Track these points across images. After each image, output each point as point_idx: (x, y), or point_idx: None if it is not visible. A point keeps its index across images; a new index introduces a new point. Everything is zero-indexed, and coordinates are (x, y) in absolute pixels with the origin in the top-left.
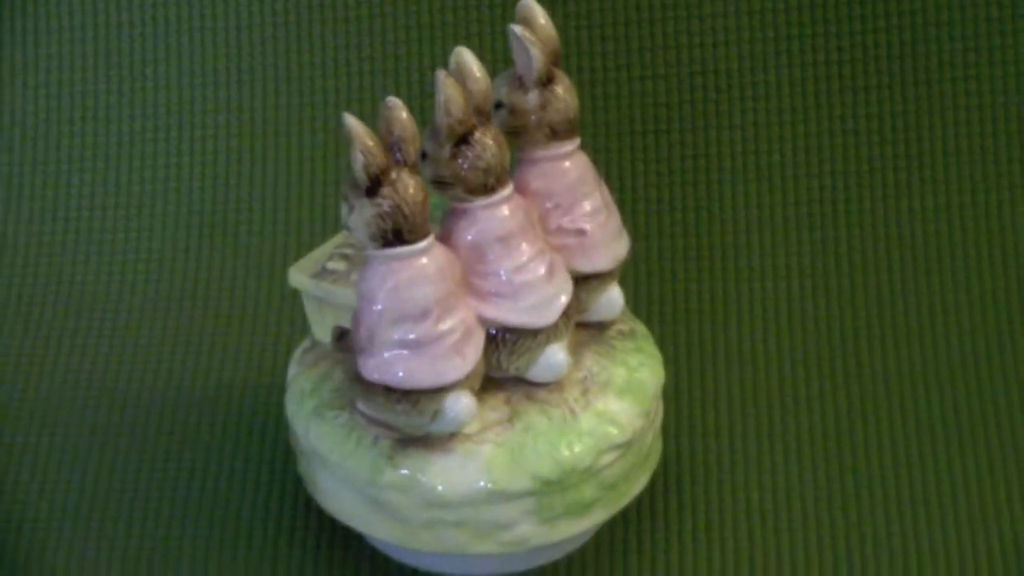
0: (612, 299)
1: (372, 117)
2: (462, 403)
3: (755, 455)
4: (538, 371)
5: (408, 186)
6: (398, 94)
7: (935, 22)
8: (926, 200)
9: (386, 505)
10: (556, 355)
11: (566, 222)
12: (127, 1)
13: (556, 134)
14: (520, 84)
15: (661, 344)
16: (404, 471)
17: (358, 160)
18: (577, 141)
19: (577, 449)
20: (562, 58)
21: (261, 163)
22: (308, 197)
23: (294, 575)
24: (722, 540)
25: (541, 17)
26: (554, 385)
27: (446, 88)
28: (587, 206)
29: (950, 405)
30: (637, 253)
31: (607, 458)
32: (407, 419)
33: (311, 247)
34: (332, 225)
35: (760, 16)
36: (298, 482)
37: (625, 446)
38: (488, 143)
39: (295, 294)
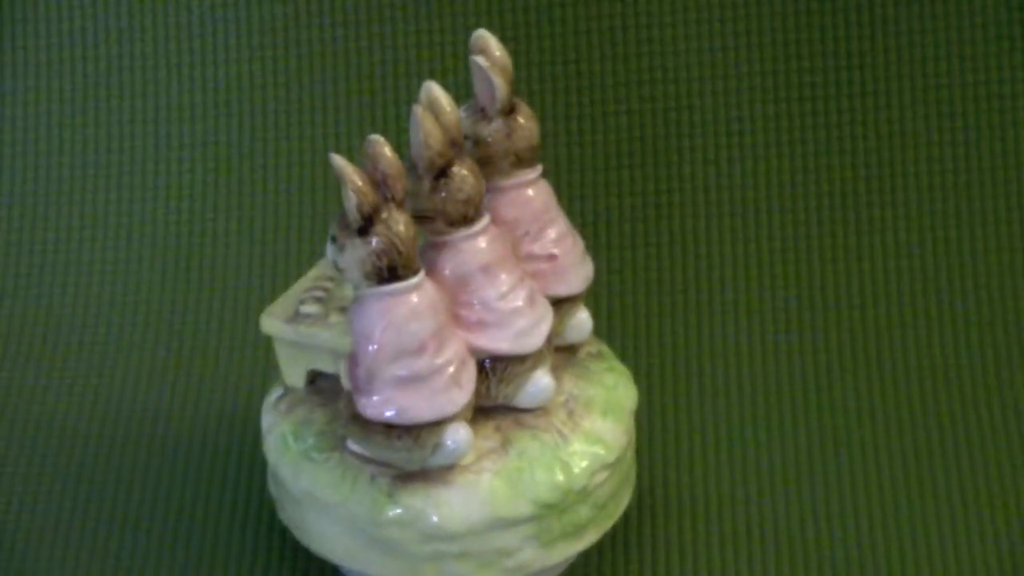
0: (582, 321)
1: (349, 152)
2: (461, 434)
3: (729, 486)
4: (525, 397)
5: (399, 222)
6: (373, 129)
7: (908, 58)
8: (899, 235)
9: (387, 542)
10: (542, 380)
11: (536, 248)
12: (104, 35)
13: (521, 162)
14: (483, 115)
15: (636, 377)
16: (406, 507)
17: (351, 200)
18: (540, 168)
19: (573, 471)
20: (535, 94)
21: (237, 197)
22: (284, 230)
23: None
24: (695, 570)
25: (496, 48)
26: (540, 410)
27: (424, 123)
28: (554, 232)
29: (923, 436)
30: (611, 287)
31: (599, 478)
32: (407, 454)
33: (287, 279)
34: (308, 258)
35: (735, 52)
36: (273, 513)
37: (614, 465)
38: (466, 174)
39: None
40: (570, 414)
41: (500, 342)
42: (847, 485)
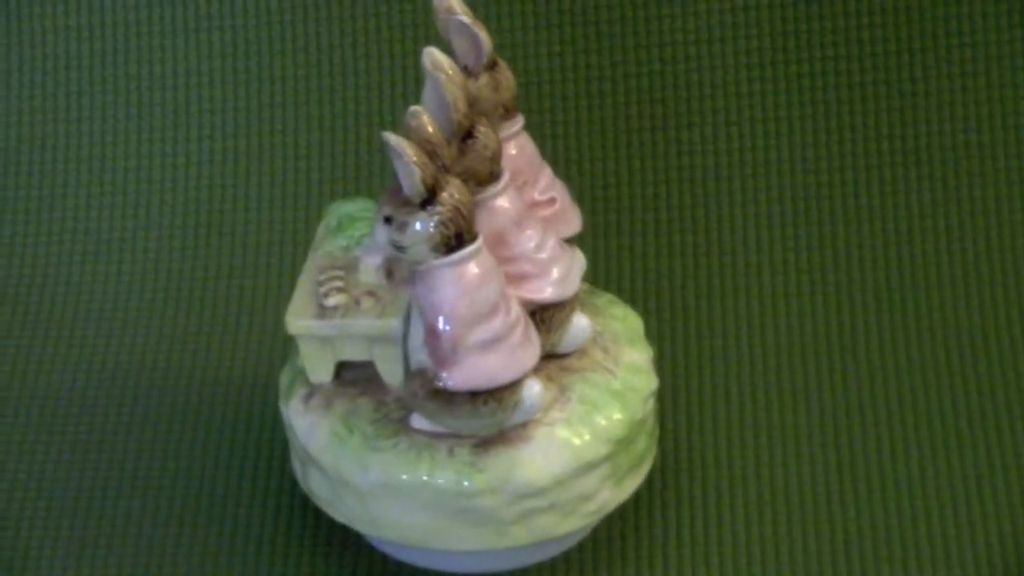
0: (579, 259)
1: (369, 115)
2: (535, 389)
3: (752, 450)
4: (568, 341)
5: (457, 188)
6: (392, 93)
7: (931, 17)
8: (922, 196)
9: (475, 512)
10: (581, 321)
11: (537, 195)
12: (123, 2)
13: (508, 112)
14: (468, 73)
15: (658, 340)
16: (493, 472)
17: (414, 174)
18: (522, 117)
19: (631, 404)
20: (556, 55)
21: (256, 162)
22: (304, 195)
23: (290, 573)
24: (719, 535)
25: (458, 6)
26: (578, 352)
27: (450, 87)
28: (545, 177)
29: (947, 399)
30: (633, 250)
31: (649, 405)
32: (492, 419)
33: (306, 245)
34: None
35: (756, 12)
36: (295, 481)
37: (655, 391)
38: (488, 131)
39: (291, 289)
40: (605, 350)
41: (545, 291)
42: (872, 448)
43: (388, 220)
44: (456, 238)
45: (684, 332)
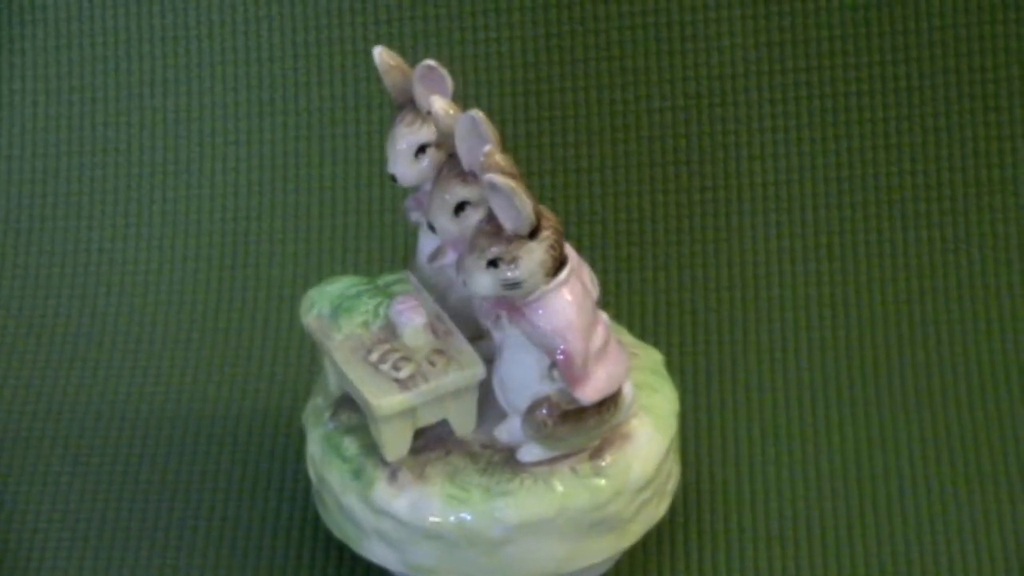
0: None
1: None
2: (629, 384)
3: (775, 484)
4: None
5: (547, 209)
6: None
7: (955, 53)
8: (945, 231)
9: (604, 521)
10: (603, 315)
11: None
12: (148, 34)
13: None
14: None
15: (681, 372)
16: (617, 477)
17: (527, 206)
18: None
19: (669, 377)
20: (580, 90)
21: (282, 195)
22: (329, 229)
23: None
24: (742, 570)
25: (390, 57)
26: None
27: (488, 123)
28: None
29: (970, 434)
30: (657, 284)
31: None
32: (610, 423)
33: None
34: (352, 257)
35: (780, 48)
36: (317, 516)
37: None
38: (512, 161)
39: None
40: (618, 342)
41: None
42: (895, 482)
43: (494, 263)
44: (560, 258)
45: (707, 366)
